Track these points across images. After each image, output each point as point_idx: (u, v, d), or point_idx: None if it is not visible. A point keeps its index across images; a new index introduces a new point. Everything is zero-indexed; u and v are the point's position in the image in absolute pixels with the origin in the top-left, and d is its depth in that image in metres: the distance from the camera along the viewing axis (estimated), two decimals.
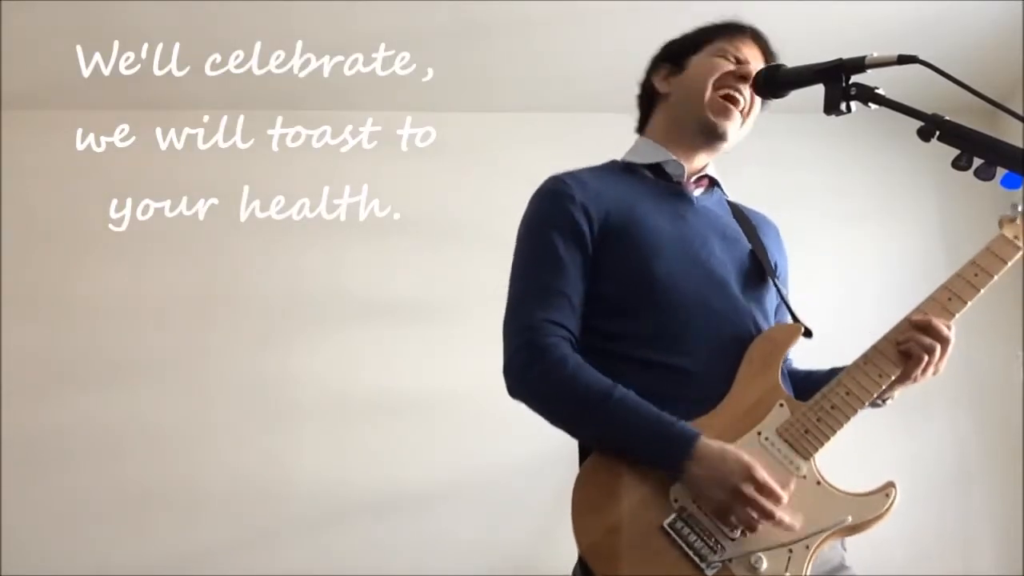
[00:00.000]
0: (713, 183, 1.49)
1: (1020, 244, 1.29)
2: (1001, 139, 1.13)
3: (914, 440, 3.06)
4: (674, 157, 1.43)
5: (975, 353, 3.00)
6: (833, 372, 1.34)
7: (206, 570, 2.83)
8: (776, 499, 1.13)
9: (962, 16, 2.90)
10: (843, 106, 1.21)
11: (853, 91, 1.21)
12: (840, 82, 1.21)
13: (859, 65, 1.20)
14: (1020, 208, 1.32)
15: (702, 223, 1.39)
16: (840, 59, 1.22)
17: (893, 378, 1.24)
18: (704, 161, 1.47)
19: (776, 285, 1.40)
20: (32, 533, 2.85)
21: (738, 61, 1.42)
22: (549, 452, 2.81)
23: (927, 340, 1.24)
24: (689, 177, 1.44)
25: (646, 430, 1.18)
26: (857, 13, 2.84)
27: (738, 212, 1.48)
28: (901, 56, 1.16)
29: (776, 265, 1.46)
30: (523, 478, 2.94)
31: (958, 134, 1.14)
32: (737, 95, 1.40)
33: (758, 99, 1.43)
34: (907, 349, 1.25)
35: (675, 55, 1.49)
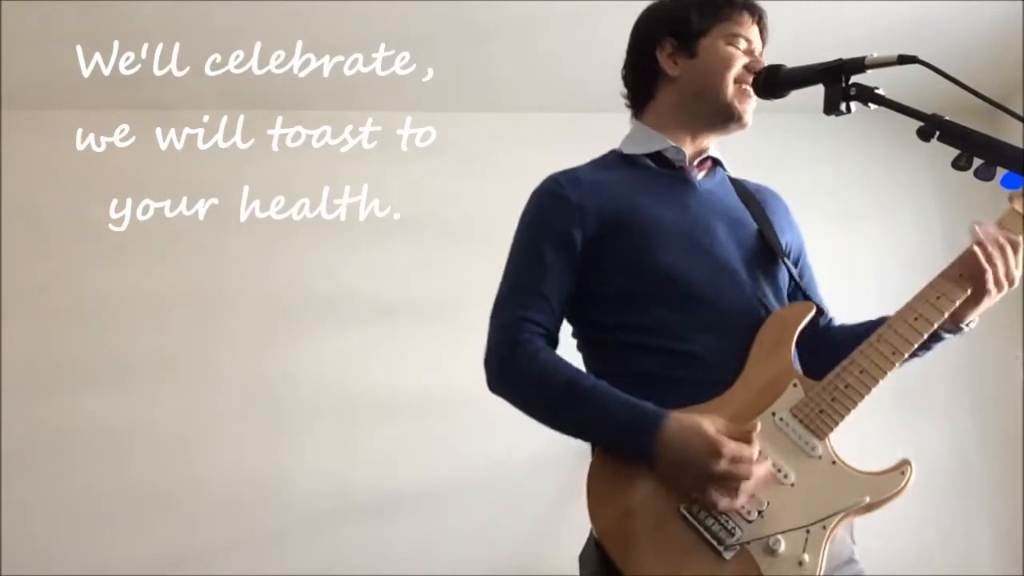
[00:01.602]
0: (715, 163, 1.47)
1: None
2: (1001, 139, 1.13)
3: (914, 440, 3.06)
4: (673, 143, 1.40)
5: (975, 353, 3.00)
6: (855, 329, 1.33)
7: (206, 570, 2.83)
8: (750, 461, 1.12)
9: (962, 16, 2.90)
10: (843, 106, 1.21)
11: (853, 91, 1.21)
12: (840, 82, 1.21)
13: (859, 65, 1.20)
14: None
15: (705, 209, 1.37)
16: (840, 59, 1.22)
17: (906, 356, 1.22)
18: (711, 143, 1.45)
19: (784, 263, 1.38)
20: (32, 533, 2.85)
21: (748, 46, 1.40)
22: (549, 452, 2.82)
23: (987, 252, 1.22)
24: (691, 161, 1.42)
25: (612, 416, 1.19)
26: (857, 13, 2.84)
27: (743, 190, 1.46)
28: (901, 56, 1.16)
29: (788, 244, 1.44)
30: (523, 478, 2.94)
31: (958, 134, 1.14)
32: (751, 87, 1.38)
33: None
34: (970, 272, 1.23)
35: (682, 33, 1.41)
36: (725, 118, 1.39)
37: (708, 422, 1.14)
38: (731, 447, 1.11)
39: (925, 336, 1.22)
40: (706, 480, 1.12)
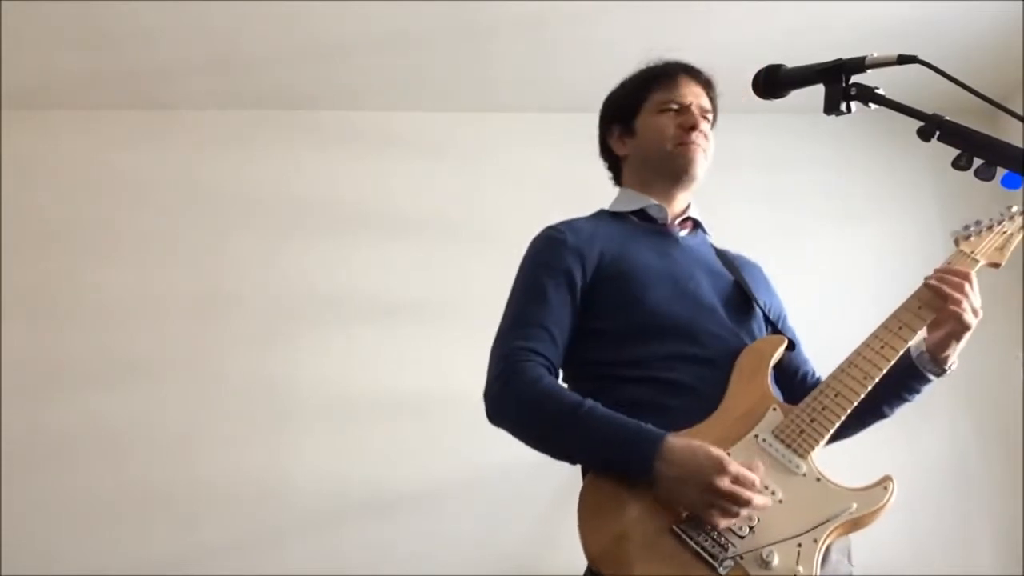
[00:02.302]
0: (697, 225, 1.58)
1: (978, 258, 1.40)
2: (1001, 139, 1.13)
3: (914, 441, 3.06)
4: (655, 201, 1.52)
5: (975, 353, 2.98)
6: None
7: (206, 570, 2.83)
8: (751, 486, 1.15)
9: (962, 16, 2.90)
10: (843, 106, 1.21)
11: (853, 91, 1.21)
12: (840, 82, 1.21)
13: (859, 65, 1.21)
14: (971, 228, 1.48)
15: (688, 259, 1.48)
16: (840, 59, 1.22)
17: (877, 379, 1.28)
18: (684, 201, 1.56)
19: (760, 310, 1.47)
20: (32, 533, 2.85)
21: (680, 107, 1.50)
22: None
23: (946, 291, 1.33)
24: (673, 220, 1.53)
25: (613, 435, 1.21)
26: (857, 13, 2.84)
27: (722, 255, 1.56)
28: (901, 56, 1.16)
29: (766, 304, 1.52)
30: (523, 478, 2.93)
31: (958, 134, 1.14)
32: (692, 144, 1.48)
33: (709, 130, 1.52)
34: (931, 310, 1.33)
35: (622, 116, 1.57)
36: (675, 177, 1.51)
37: (712, 442, 1.18)
38: (735, 466, 1.15)
39: (892, 362, 1.30)
40: (708, 496, 1.13)
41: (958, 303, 1.32)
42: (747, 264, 1.60)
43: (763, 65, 1.35)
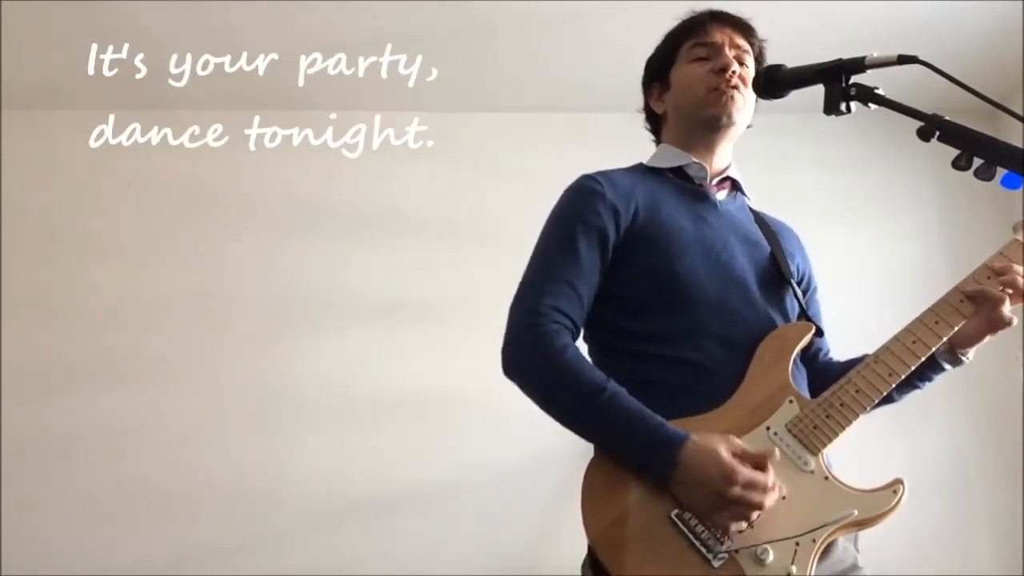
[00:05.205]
0: (736, 187, 1.52)
1: None
2: (1001, 139, 1.13)
3: (915, 441, 3.06)
4: (695, 160, 1.46)
5: (975, 354, 3.00)
6: (850, 364, 1.35)
7: (206, 570, 2.83)
8: (763, 489, 1.13)
9: (962, 16, 2.90)
10: (843, 106, 1.21)
11: (853, 91, 1.21)
12: (840, 82, 1.21)
13: (859, 65, 1.20)
14: None
15: (724, 225, 1.41)
16: (840, 59, 1.22)
17: (903, 376, 1.24)
18: (725, 157, 1.49)
19: (793, 287, 1.41)
20: (32, 533, 2.85)
21: (712, 50, 1.45)
22: (549, 452, 2.82)
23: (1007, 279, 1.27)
24: (712, 179, 1.47)
25: (633, 431, 1.18)
26: (857, 13, 2.84)
27: (759, 219, 1.51)
28: (901, 56, 1.16)
29: (799, 269, 1.48)
30: (523, 478, 2.94)
31: (958, 134, 1.14)
32: (724, 86, 1.42)
33: (747, 70, 1.45)
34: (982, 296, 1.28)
35: (658, 73, 1.53)
36: (711, 127, 1.44)
37: (724, 447, 1.15)
38: (745, 474, 1.12)
39: (922, 359, 1.25)
40: (718, 502, 1.12)
41: (1003, 306, 1.27)
42: (784, 229, 1.54)
43: (763, 65, 1.36)
